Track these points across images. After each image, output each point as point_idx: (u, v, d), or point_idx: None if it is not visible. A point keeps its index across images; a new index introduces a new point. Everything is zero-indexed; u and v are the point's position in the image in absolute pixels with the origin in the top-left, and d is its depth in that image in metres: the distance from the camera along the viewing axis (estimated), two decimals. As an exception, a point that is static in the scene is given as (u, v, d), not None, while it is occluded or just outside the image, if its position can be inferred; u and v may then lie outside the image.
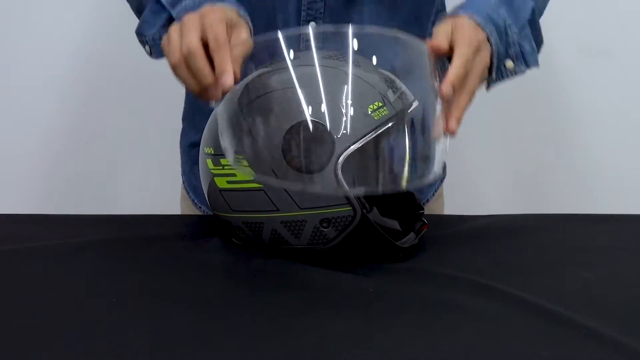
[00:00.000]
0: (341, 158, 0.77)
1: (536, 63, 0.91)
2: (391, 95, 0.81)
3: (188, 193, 1.16)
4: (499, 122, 1.57)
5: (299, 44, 0.86)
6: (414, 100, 0.84)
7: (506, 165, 1.59)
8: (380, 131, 0.78)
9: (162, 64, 1.55)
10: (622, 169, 1.57)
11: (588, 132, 1.57)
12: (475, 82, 0.80)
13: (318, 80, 0.81)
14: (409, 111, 0.82)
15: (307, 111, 0.78)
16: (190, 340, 0.62)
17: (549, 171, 1.59)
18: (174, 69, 0.79)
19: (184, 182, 1.18)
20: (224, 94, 0.75)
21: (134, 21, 0.96)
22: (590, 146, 1.57)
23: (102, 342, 0.61)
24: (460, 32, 0.81)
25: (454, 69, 0.77)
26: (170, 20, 0.90)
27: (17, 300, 0.72)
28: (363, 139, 0.78)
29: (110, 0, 1.48)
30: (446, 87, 0.76)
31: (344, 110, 0.79)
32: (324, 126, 0.78)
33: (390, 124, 0.79)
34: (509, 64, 0.89)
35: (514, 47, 0.89)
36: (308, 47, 0.82)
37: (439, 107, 0.78)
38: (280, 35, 0.78)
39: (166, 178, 1.33)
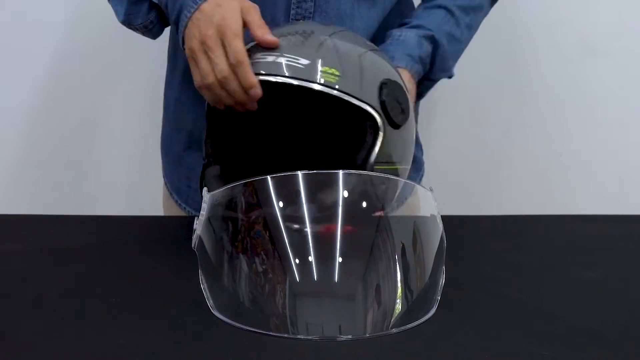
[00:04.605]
0: None
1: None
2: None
3: (171, 194, 1.16)
4: (499, 122, 1.57)
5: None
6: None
7: (506, 165, 1.59)
8: None
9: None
10: (622, 169, 1.57)
11: (588, 131, 1.57)
12: None
13: None
14: None
15: None
16: (190, 340, 0.62)
17: (549, 171, 1.59)
18: (204, 89, 0.84)
19: (166, 183, 1.18)
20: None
21: (115, 18, 0.99)
22: (590, 146, 1.57)
23: (101, 342, 0.61)
24: None
25: None
26: (152, 4, 0.96)
27: (16, 300, 0.72)
28: None
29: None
30: None
31: None
32: None
33: None
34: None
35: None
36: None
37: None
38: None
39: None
